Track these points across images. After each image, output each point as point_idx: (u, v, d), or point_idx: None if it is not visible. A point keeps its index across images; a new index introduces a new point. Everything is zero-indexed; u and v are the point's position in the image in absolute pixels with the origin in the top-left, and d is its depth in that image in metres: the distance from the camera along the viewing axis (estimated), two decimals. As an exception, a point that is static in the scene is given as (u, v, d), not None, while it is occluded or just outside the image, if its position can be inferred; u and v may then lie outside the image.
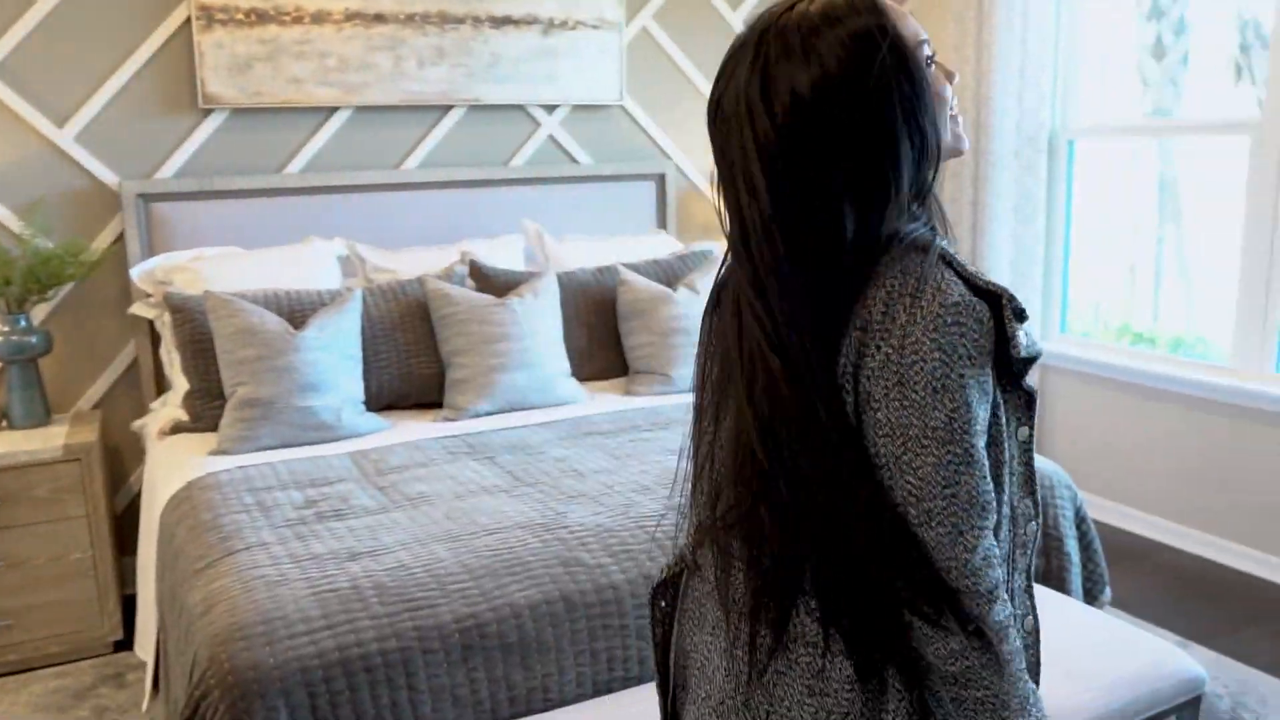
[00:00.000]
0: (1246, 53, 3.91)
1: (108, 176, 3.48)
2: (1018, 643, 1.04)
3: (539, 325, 3.22)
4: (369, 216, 3.74)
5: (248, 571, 2.01)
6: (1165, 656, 2.07)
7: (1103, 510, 3.98)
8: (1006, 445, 1.11)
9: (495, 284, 3.39)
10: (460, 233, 3.82)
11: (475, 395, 3.11)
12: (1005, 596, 1.04)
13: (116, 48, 3.43)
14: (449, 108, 3.91)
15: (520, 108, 4.02)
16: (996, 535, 1.08)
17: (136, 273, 3.28)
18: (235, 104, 3.55)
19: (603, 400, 3.29)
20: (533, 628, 1.96)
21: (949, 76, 1.14)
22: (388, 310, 3.21)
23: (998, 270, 4.18)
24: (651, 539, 2.16)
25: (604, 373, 3.53)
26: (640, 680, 2.05)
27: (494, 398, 3.11)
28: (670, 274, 3.63)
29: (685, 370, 3.36)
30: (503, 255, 3.62)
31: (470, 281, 3.43)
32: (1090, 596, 2.70)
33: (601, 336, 3.51)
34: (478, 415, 3.10)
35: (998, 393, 1.08)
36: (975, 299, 1.04)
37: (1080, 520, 2.69)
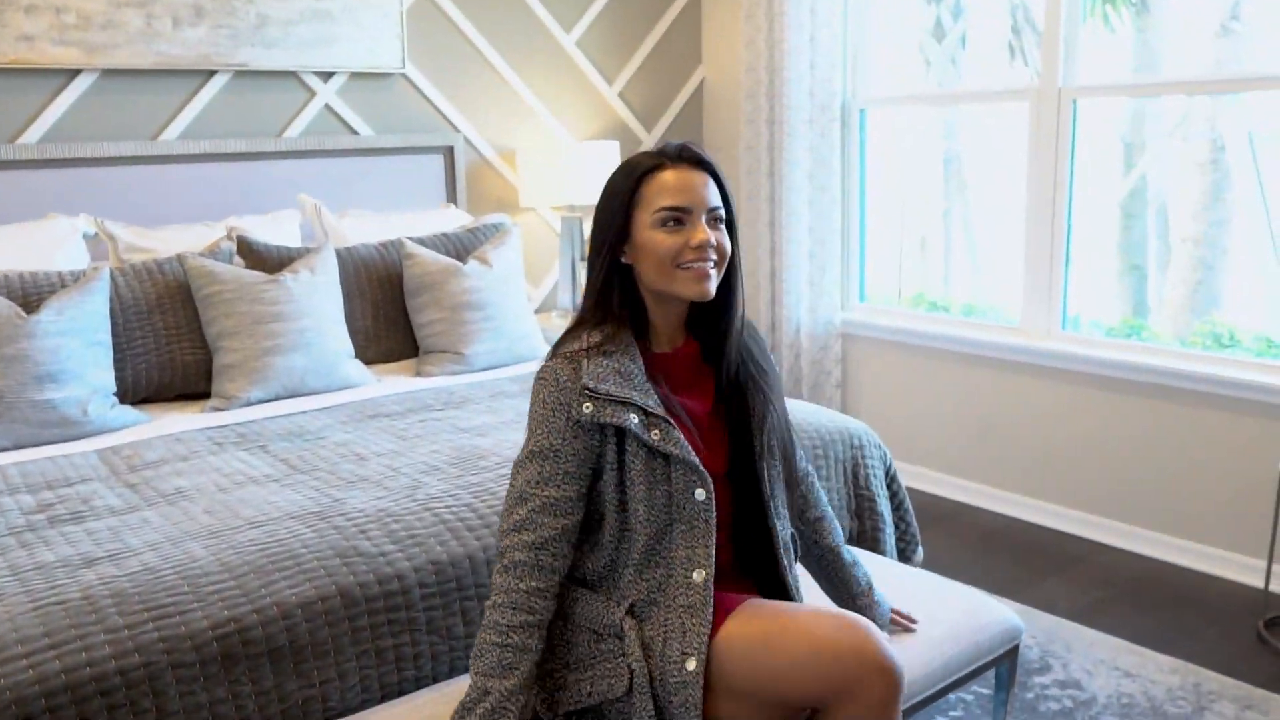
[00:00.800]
0: (1018, 34, 4.03)
1: None
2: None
3: (317, 304, 2.95)
4: (122, 192, 3.37)
5: (-47, 590, 1.70)
6: (983, 607, 2.03)
7: (908, 475, 4.02)
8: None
9: (267, 261, 3.10)
10: (228, 209, 3.49)
11: (247, 382, 2.81)
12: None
13: None
14: (211, 73, 3.56)
15: (293, 74, 3.71)
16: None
17: None
18: (-58, 64, 3.11)
19: (392, 382, 3.06)
20: (306, 629, 1.73)
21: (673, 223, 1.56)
22: (142, 291, 2.87)
23: (797, 238, 4.16)
24: (441, 522, 1.96)
25: (393, 354, 3.29)
26: (434, 679, 1.85)
27: (268, 383, 2.83)
28: (460, 247, 3.42)
29: (479, 347, 3.17)
30: (276, 232, 3.33)
31: (239, 260, 3.12)
32: (904, 556, 2.66)
33: (389, 315, 3.27)
34: (250, 404, 2.82)
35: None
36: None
37: (890, 480, 2.66)
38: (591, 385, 1.48)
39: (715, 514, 1.54)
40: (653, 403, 1.51)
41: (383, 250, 3.32)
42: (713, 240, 1.53)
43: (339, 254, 3.21)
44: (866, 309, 4.27)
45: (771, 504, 1.62)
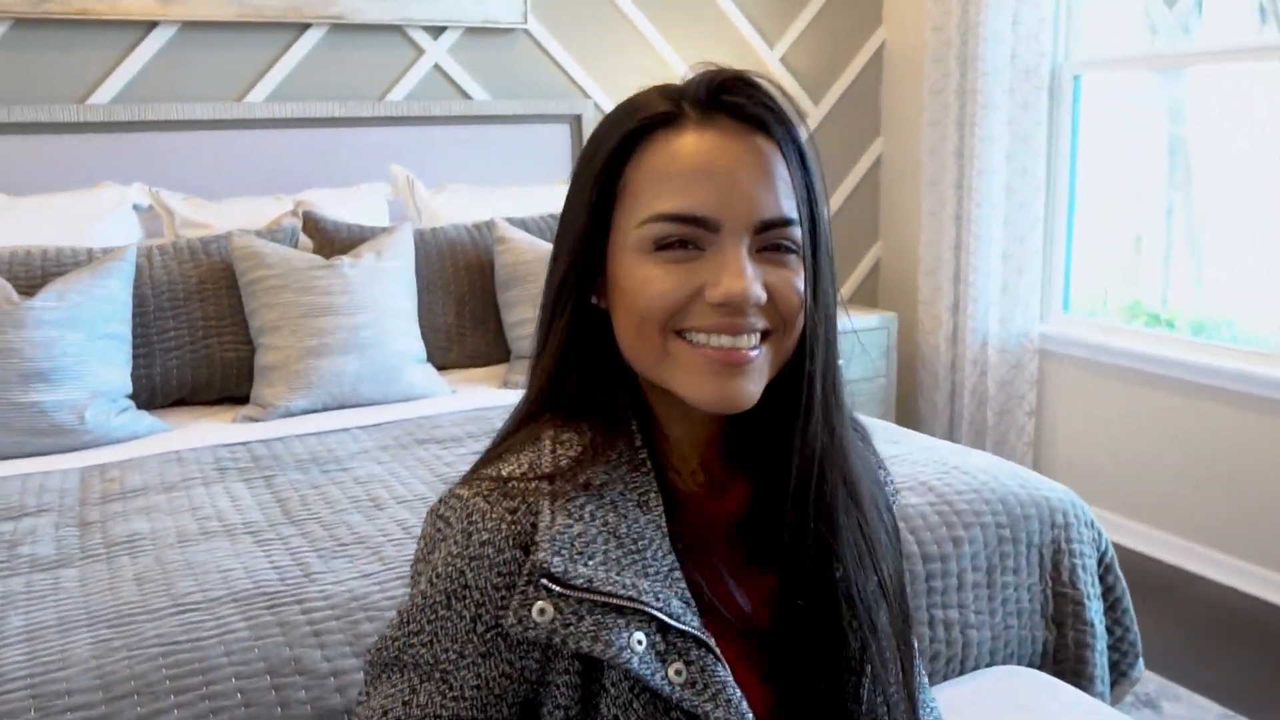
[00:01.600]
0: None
1: None
2: None
3: (381, 295, 2.45)
4: (196, 160, 2.97)
5: None
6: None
7: (1114, 530, 3.21)
8: None
9: (335, 242, 2.63)
10: (311, 182, 3.04)
11: (286, 387, 2.34)
12: None
13: None
14: (304, 26, 3.12)
15: (397, 29, 3.23)
16: None
17: None
18: (14, 11, 2.76)
19: (469, 394, 2.53)
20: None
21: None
22: (180, 274, 2.44)
23: (989, 232, 3.40)
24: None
25: (480, 357, 2.76)
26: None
27: (311, 390, 2.35)
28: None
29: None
30: (356, 208, 2.85)
31: (305, 240, 2.65)
32: (1117, 671, 1.93)
33: (477, 311, 2.74)
34: (290, 414, 2.34)
35: None
36: None
37: (1106, 571, 1.92)
38: (560, 567, 0.78)
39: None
40: (678, 605, 0.81)
41: (474, 233, 2.79)
42: (758, 293, 0.80)
43: (420, 235, 2.70)
44: (1071, 321, 3.47)
45: None
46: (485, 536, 0.78)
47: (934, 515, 1.76)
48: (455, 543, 0.79)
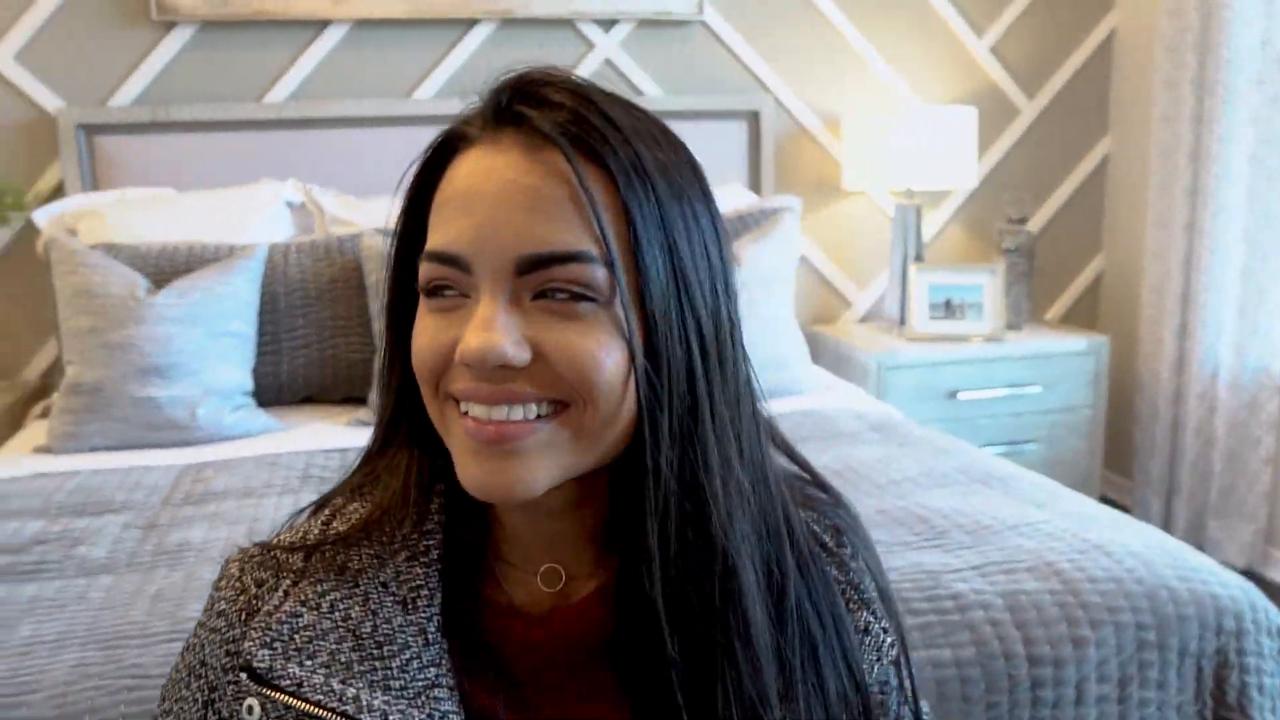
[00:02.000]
0: None
1: (55, 104, 2.89)
2: None
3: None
4: (363, 157, 2.99)
5: None
6: None
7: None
8: None
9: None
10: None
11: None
12: None
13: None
14: (473, 22, 3.08)
15: (568, 23, 3.15)
16: None
17: (42, 217, 2.67)
18: (197, 15, 2.88)
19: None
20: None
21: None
22: (313, 273, 2.44)
23: (1225, 246, 2.93)
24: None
25: None
26: None
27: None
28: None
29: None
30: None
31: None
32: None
33: None
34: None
35: None
36: None
37: None
38: (265, 662, 0.66)
39: None
40: None
41: None
42: (506, 353, 0.62)
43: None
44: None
45: None
46: (222, 607, 0.70)
47: (1053, 607, 1.46)
48: (204, 610, 0.73)
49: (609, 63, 3.19)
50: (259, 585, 0.69)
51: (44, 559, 1.60)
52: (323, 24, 3.00)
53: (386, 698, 0.64)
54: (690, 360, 0.65)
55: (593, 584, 0.73)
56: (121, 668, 1.28)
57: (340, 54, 3.02)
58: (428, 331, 0.65)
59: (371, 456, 0.75)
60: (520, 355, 0.62)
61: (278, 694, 0.65)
